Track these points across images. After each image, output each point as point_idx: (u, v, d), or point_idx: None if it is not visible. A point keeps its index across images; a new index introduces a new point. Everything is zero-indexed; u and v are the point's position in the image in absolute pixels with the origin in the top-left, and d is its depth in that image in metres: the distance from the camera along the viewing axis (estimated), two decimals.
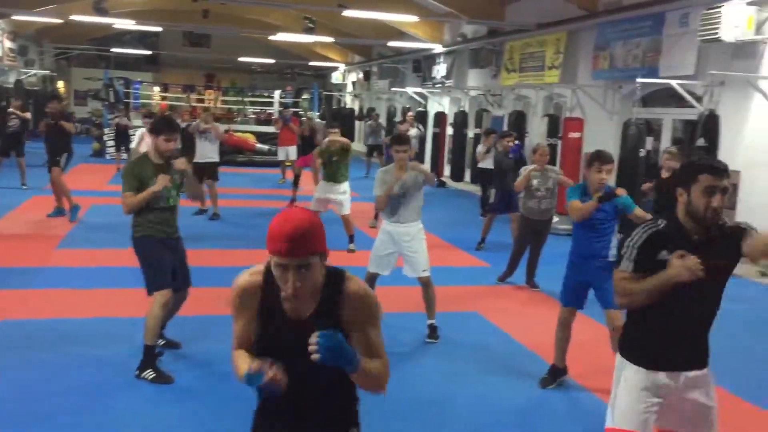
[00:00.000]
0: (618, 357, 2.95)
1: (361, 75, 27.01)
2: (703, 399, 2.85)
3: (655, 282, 2.68)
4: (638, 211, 4.83)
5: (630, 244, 2.80)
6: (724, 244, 2.78)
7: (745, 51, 9.46)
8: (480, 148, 12.13)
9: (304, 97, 27.26)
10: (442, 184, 17.41)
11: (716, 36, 8.96)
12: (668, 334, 2.81)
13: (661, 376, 2.81)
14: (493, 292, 7.53)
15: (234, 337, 2.29)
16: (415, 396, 4.61)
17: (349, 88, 29.48)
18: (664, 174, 7.80)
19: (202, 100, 24.41)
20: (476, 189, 15.74)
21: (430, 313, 5.78)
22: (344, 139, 9.20)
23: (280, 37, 20.22)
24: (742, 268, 9.23)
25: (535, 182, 7.39)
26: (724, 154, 9.33)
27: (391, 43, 19.00)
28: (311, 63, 29.08)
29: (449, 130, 17.47)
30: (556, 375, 4.89)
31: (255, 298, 2.22)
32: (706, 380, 2.87)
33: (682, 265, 2.62)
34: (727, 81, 9.59)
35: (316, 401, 2.29)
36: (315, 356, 1.98)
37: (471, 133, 16.51)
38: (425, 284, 5.74)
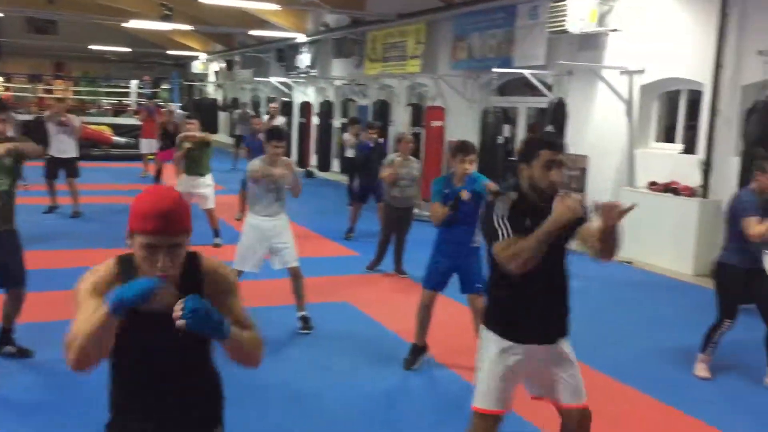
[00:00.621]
0: (480, 336, 3.07)
1: (223, 64, 26.33)
2: (566, 367, 3.01)
3: (540, 233, 2.75)
4: (490, 185, 4.96)
5: (498, 217, 2.89)
6: None
7: (589, 42, 10.09)
8: (346, 137, 12.20)
9: (163, 87, 26.23)
10: (309, 174, 17.36)
11: (563, 28, 9.48)
12: (526, 309, 2.94)
13: (523, 350, 2.94)
14: (363, 281, 7.61)
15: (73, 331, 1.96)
16: (288, 389, 4.58)
17: (212, 77, 28.68)
18: None
19: (50, 91, 22.89)
20: (344, 178, 15.82)
21: (300, 304, 5.75)
22: (202, 134, 8.94)
23: (135, 24, 19.32)
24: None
25: (401, 172, 7.53)
26: (572, 140, 9.91)
27: (253, 32, 18.64)
28: (170, 52, 27.97)
29: (315, 120, 17.43)
30: (417, 353, 5.02)
31: (110, 289, 1.99)
32: (566, 350, 3.03)
33: (564, 205, 2.74)
34: (574, 71, 10.20)
35: (180, 400, 2.16)
36: (181, 323, 1.83)
37: (337, 122, 16.55)
38: (295, 275, 5.70)
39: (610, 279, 8.11)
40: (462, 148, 4.97)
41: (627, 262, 8.98)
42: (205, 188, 8.69)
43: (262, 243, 5.63)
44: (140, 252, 1.98)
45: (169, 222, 1.96)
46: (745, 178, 6.87)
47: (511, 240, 2.84)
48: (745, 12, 8.03)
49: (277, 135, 5.69)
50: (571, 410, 3.02)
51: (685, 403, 4.60)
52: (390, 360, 5.15)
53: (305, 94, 19.28)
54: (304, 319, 5.74)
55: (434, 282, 5.01)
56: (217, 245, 8.57)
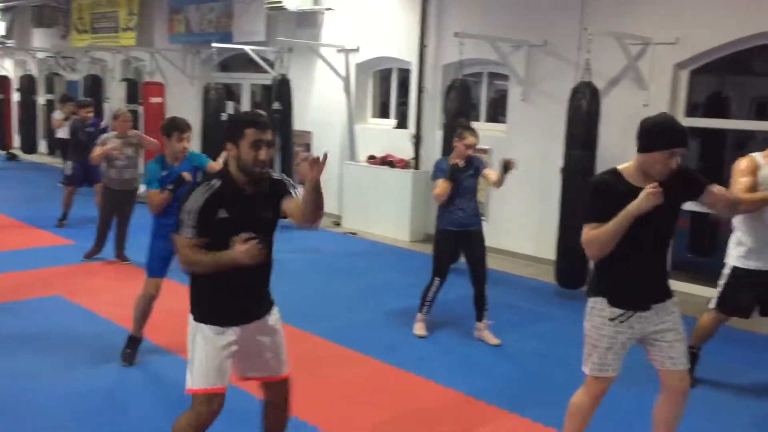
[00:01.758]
0: (190, 319, 2.95)
1: None
2: (272, 342, 3.04)
3: (218, 258, 2.76)
4: (214, 165, 4.82)
5: (189, 209, 2.79)
6: (270, 195, 2.94)
7: (307, 20, 10.29)
8: (56, 116, 11.10)
9: None
10: (12, 157, 15.57)
11: (280, 4, 9.56)
12: (231, 292, 2.89)
13: (231, 331, 2.90)
14: (80, 271, 7.01)
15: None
16: None
17: None
18: None
19: None
20: (54, 161, 14.43)
21: None
22: None
23: None
24: (324, 221, 10.11)
25: (119, 152, 7.02)
26: (297, 116, 10.10)
27: None
28: None
29: (15, 97, 15.57)
30: (134, 344, 4.76)
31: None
32: (272, 324, 3.05)
33: (245, 251, 2.71)
34: (294, 48, 10.33)
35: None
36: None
37: (42, 99, 14.97)
38: None
39: (336, 251, 8.44)
40: (175, 126, 4.72)
41: (351, 233, 9.42)
42: None
43: None
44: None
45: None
46: (447, 150, 7.52)
47: (194, 241, 2.80)
48: None
49: None
50: (273, 383, 3.08)
51: (404, 361, 4.92)
52: (109, 353, 4.79)
53: (2, 67, 17.12)
54: None
55: (157, 269, 4.75)
56: None
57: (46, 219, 9.02)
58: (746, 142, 7.77)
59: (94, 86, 12.86)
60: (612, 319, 3.12)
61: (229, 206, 2.81)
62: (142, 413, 4.04)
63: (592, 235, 3.06)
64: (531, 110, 8.05)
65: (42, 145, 15.07)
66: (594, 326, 3.18)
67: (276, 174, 3.05)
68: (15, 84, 15.70)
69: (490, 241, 7.88)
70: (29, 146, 15.09)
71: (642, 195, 2.93)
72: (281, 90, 9.72)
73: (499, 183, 5.32)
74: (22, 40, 16.40)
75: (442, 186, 5.16)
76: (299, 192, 2.94)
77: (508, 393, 4.46)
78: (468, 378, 4.69)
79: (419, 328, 5.51)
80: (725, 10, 6.50)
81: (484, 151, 7.80)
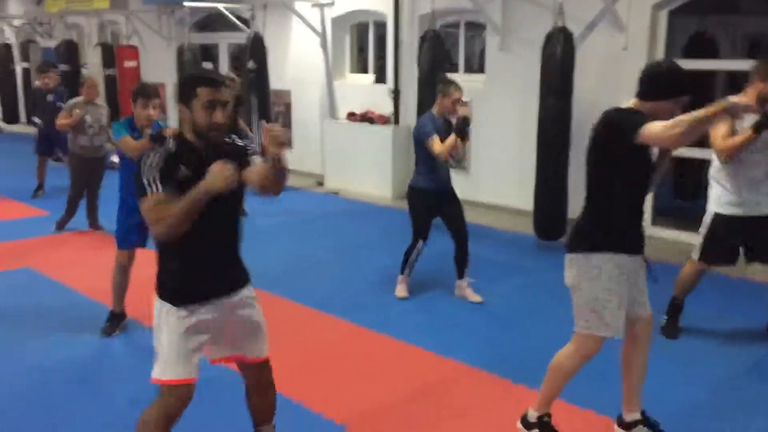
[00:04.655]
0: (156, 303, 2.76)
1: None
2: (249, 317, 2.85)
3: (190, 198, 2.51)
4: (170, 130, 4.65)
5: (149, 167, 2.57)
6: (233, 159, 2.62)
7: None
8: (38, 84, 10.84)
9: None
10: None
11: None
12: (198, 266, 2.70)
13: (202, 310, 2.71)
14: (52, 242, 6.90)
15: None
16: None
17: None
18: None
19: None
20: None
21: None
22: None
23: None
24: (307, 182, 9.92)
25: (88, 118, 6.86)
26: (275, 75, 9.87)
27: None
28: None
29: None
30: (116, 320, 4.67)
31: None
32: (246, 300, 2.85)
33: (218, 172, 2.50)
34: (269, 4, 10.04)
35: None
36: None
37: (19, 68, 14.69)
38: None
39: (316, 212, 8.32)
40: (142, 92, 4.53)
41: (334, 193, 9.28)
42: None
43: None
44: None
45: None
46: (423, 104, 7.34)
47: (160, 198, 2.55)
48: None
49: None
50: (252, 364, 2.90)
51: (384, 324, 4.82)
52: (81, 326, 4.70)
53: None
54: None
55: (127, 240, 4.62)
56: None
57: (25, 191, 8.89)
58: (742, 85, 7.56)
59: (70, 52, 12.57)
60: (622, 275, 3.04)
61: (189, 165, 2.59)
62: (116, 386, 3.95)
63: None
64: (509, 59, 7.82)
65: (23, 115, 14.82)
66: (602, 284, 3.03)
67: (238, 140, 2.83)
68: None
69: (471, 194, 7.81)
70: (11, 117, 14.87)
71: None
72: (255, 48, 9.47)
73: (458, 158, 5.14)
74: None
75: (450, 140, 4.91)
76: (259, 159, 2.71)
77: (485, 352, 4.38)
78: (448, 339, 4.59)
79: (401, 290, 5.40)
80: None
81: (465, 103, 7.61)
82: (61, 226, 7.21)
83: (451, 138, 4.92)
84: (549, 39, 6.33)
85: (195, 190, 2.51)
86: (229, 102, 2.68)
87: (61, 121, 6.82)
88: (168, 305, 2.72)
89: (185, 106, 2.63)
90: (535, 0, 7.38)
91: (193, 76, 2.76)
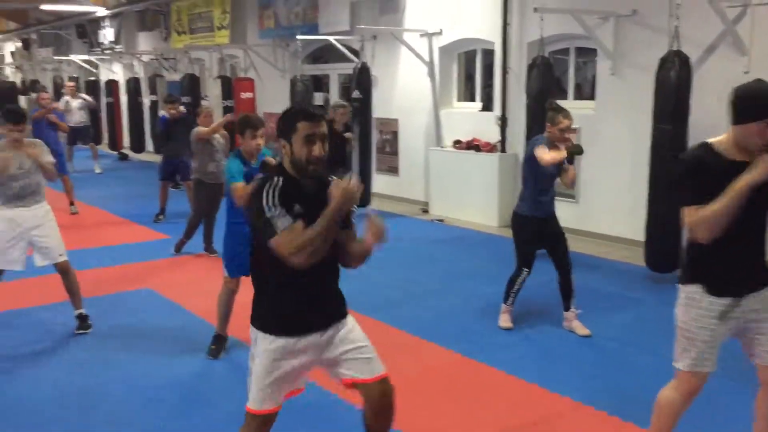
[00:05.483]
0: (251, 331, 2.81)
1: (19, 44, 24.12)
2: (354, 342, 2.85)
3: (323, 223, 2.60)
4: (269, 159, 4.81)
5: (269, 204, 2.60)
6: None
7: (389, 6, 10.19)
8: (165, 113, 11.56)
9: None
10: (123, 156, 16.46)
11: None
12: (297, 297, 2.73)
13: (303, 341, 2.74)
14: (171, 265, 7.27)
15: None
16: (60, 392, 4.25)
17: (8, 59, 26.22)
18: (338, 127, 8.13)
19: None
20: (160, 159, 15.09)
21: (75, 302, 5.24)
22: None
23: None
24: (412, 209, 9.94)
25: (217, 145, 7.27)
26: (383, 104, 10.06)
27: (45, 7, 17.11)
28: None
29: (124, 99, 16.42)
30: (221, 343, 4.83)
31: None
32: (349, 326, 2.87)
33: (343, 192, 2.59)
34: (377, 35, 10.27)
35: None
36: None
37: (147, 100, 15.68)
38: (64, 271, 5.16)
39: (423, 238, 8.33)
40: (248, 123, 4.68)
41: (439, 221, 9.28)
42: None
43: (17, 236, 5.01)
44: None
45: None
46: (531, 131, 7.23)
47: (298, 228, 2.58)
48: None
49: (14, 117, 4.96)
50: (368, 384, 2.85)
51: (486, 354, 4.74)
52: (191, 346, 4.91)
53: (112, 71, 18.09)
54: (81, 318, 5.25)
55: (234, 268, 4.74)
56: None
57: (147, 215, 9.40)
58: None
59: (192, 85, 13.31)
60: (715, 316, 2.84)
61: (300, 202, 2.65)
62: (222, 405, 4.07)
63: (699, 216, 2.74)
64: (621, 85, 7.60)
65: (149, 144, 15.79)
66: (691, 318, 2.89)
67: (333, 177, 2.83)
68: (123, 86, 16.56)
69: (580, 223, 7.60)
70: (138, 146, 15.87)
71: (759, 165, 2.64)
72: (361, 78, 9.68)
73: (570, 182, 5.07)
74: (128, 44, 17.24)
75: (558, 153, 4.78)
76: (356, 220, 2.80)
77: (592, 387, 4.22)
78: (553, 373, 4.46)
79: (504, 320, 5.29)
80: None
81: (573, 130, 7.45)
82: (179, 248, 7.59)
83: (561, 152, 4.82)
84: (663, 63, 6.11)
85: (325, 217, 2.60)
86: (326, 136, 2.71)
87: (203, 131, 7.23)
88: (263, 334, 2.76)
89: (285, 140, 2.69)
90: (649, 23, 7.16)
91: (294, 111, 2.81)
